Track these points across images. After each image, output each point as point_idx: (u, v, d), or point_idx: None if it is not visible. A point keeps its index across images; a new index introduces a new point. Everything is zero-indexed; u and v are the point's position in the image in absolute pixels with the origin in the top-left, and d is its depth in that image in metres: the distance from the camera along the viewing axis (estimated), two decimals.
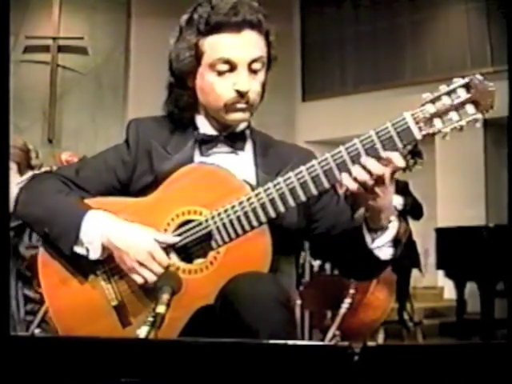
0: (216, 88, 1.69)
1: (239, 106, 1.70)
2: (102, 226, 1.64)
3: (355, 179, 1.51)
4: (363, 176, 1.51)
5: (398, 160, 1.50)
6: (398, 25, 8.50)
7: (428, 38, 8.33)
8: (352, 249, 1.66)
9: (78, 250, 1.66)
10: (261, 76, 1.72)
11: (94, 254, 1.65)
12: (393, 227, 1.62)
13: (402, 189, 5.68)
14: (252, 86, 1.69)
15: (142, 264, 1.61)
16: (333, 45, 9.08)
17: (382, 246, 1.62)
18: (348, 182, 1.52)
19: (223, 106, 1.69)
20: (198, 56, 1.69)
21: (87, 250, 1.65)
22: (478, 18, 7.82)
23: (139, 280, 1.62)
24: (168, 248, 1.64)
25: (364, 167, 1.51)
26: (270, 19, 1.73)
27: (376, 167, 1.50)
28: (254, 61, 1.69)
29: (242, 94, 1.68)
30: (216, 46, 1.68)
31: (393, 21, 8.53)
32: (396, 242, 1.63)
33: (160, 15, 7.33)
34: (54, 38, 7.79)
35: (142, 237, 1.63)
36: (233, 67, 1.68)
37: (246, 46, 1.68)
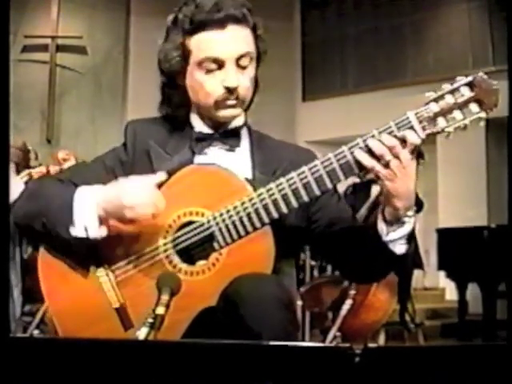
0: (205, 86, 1.69)
1: (229, 102, 1.69)
2: (93, 198, 1.62)
3: (372, 154, 1.50)
4: (381, 148, 1.49)
5: (412, 136, 1.49)
6: (400, 24, 8.50)
7: (429, 38, 8.32)
8: (362, 245, 1.63)
9: (76, 232, 1.62)
10: (250, 71, 1.72)
11: (93, 232, 1.61)
12: (410, 222, 1.59)
13: None
14: (241, 81, 1.69)
15: (137, 206, 1.57)
16: (333, 44, 9.09)
17: (397, 241, 1.59)
18: (364, 159, 1.51)
19: (213, 103, 1.69)
20: (185, 55, 1.70)
21: (86, 230, 1.61)
22: (480, 17, 7.83)
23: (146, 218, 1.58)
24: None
25: (379, 141, 1.50)
26: (255, 13, 1.73)
27: (389, 140, 1.49)
28: (241, 56, 1.68)
29: (231, 91, 1.68)
30: (202, 44, 1.67)
31: (394, 20, 8.53)
32: (410, 238, 1.60)
33: (159, 14, 7.28)
34: (53, 37, 7.80)
35: (129, 184, 1.60)
36: (220, 65, 1.67)
37: (231, 42, 1.67)
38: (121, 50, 8.27)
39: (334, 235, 1.71)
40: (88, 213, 1.61)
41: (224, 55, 1.66)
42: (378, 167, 1.50)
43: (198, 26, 1.67)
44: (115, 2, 8.27)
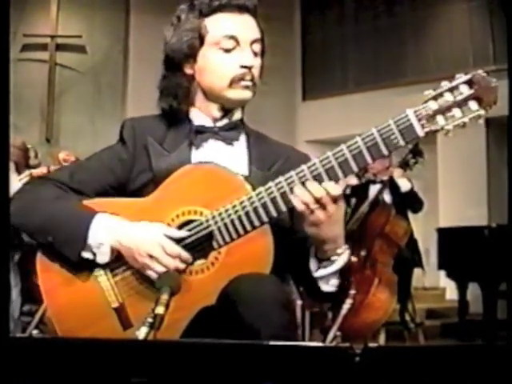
0: (221, 65, 1.72)
1: (244, 83, 1.72)
2: (112, 230, 1.63)
3: (301, 199, 1.51)
4: (305, 197, 1.50)
5: (333, 189, 1.50)
6: (400, 23, 8.50)
7: (430, 37, 8.31)
8: (301, 270, 1.65)
9: (85, 255, 1.65)
10: (259, 60, 1.76)
11: (102, 258, 1.65)
12: (340, 260, 1.61)
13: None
14: (255, 63, 1.73)
15: (153, 257, 1.59)
16: (333, 43, 9.09)
17: (326, 277, 1.62)
18: (294, 201, 1.52)
19: (229, 83, 1.72)
20: (201, 36, 1.72)
21: (94, 255, 1.65)
22: (481, 16, 7.82)
23: (153, 275, 1.60)
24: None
25: (306, 189, 1.51)
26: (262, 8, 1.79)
27: (315, 189, 1.50)
28: (254, 41, 1.73)
29: (247, 69, 1.71)
30: (220, 23, 1.72)
31: (394, 19, 8.53)
32: (343, 274, 1.63)
33: (159, 13, 7.30)
34: (52, 37, 7.80)
35: (151, 231, 1.61)
36: (237, 44, 1.71)
37: (247, 26, 1.73)
38: (120, 49, 8.26)
39: (299, 253, 1.70)
40: (102, 243, 1.63)
41: (241, 36, 1.71)
42: (307, 212, 1.52)
43: (216, 8, 1.72)
44: (115, 1, 8.27)
